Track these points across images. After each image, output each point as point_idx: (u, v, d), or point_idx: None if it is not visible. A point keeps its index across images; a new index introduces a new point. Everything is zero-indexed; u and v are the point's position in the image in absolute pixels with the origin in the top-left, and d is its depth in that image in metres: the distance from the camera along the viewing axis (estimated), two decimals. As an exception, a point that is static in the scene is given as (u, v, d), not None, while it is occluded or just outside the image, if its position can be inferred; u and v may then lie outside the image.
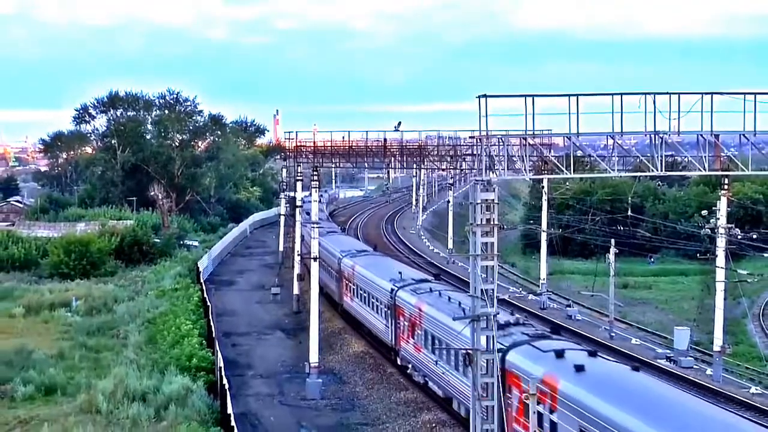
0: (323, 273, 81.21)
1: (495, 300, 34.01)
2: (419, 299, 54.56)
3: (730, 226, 60.08)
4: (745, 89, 32.61)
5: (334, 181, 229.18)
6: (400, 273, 63.58)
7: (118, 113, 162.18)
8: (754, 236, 70.54)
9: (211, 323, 69.41)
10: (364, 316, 69.22)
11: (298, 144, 71.89)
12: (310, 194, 69.72)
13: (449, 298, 51.86)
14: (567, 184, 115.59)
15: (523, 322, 45.69)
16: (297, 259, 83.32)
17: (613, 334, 68.63)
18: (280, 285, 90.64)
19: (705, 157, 34.32)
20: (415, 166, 67.71)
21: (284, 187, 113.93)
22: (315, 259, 61.96)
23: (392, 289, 59.95)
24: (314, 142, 70.29)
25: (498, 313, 34.68)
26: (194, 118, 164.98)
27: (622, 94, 32.10)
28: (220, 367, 54.53)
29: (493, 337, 34.02)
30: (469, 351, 34.40)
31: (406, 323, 56.78)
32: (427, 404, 52.41)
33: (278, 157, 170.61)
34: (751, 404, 50.04)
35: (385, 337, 63.13)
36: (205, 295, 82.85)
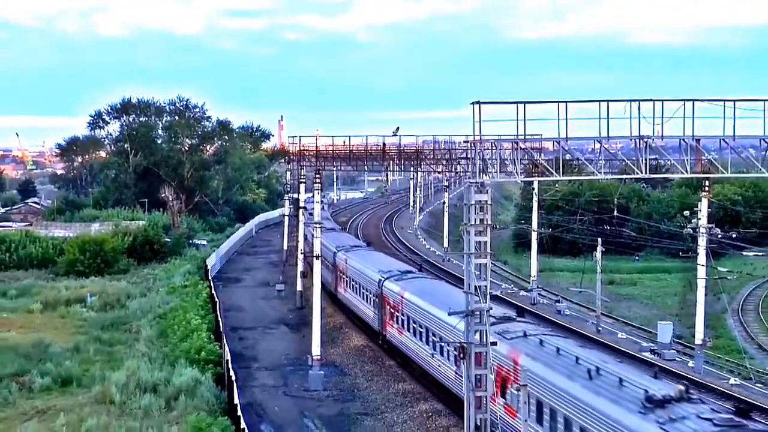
0: (353, 295, 73.63)
1: (488, 296, 34.10)
2: (514, 348, 39.90)
3: (710, 226, 60.21)
4: (725, 96, 32.68)
5: (335, 183, 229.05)
6: None
7: (131, 119, 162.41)
8: (734, 236, 70.94)
9: (219, 318, 69.46)
10: (420, 355, 54.34)
11: (302, 148, 71.88)
12: (313, 196, 69.65)
13: (558, 350, 37.66)
14: (556, 186, 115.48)
15: (688, 395, 30.97)
16: (300, 257, 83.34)
17: (600, 329, 68.68)
18: (284, 282, 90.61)
19: (687, 160, 34.38)
20: (412, 169, 67.58)
21: (288, 189, 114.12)
22: (317, 257, 62.09)
23: None
24: (317, 147, 70.02)
25: (491, 308, 34.64)
26: (203, 123, 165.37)
27: (608, 101, 32.15)
28: (228, 360, 54.73)
29: (486, 332, 34.08)
30: (463, 344, 34.46)
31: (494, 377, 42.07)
32: (423, 395, 52.55)
33: (282, 160, 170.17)
34: (731, 394, 50.12)
35: (456, 388, 46.79)
36: (213, 292, 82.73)
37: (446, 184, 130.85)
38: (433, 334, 51.19)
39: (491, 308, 34.83)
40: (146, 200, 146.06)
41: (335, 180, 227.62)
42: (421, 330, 53.54)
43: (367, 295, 67.66)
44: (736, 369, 60.01)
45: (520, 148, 34.18)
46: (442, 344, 48.75)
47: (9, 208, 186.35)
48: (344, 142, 66.75)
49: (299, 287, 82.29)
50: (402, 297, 57.95)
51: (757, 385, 54.69)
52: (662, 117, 32.53)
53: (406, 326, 56.91)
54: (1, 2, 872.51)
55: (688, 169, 34.83)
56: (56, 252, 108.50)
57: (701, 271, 59.59)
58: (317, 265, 62.19)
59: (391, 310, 60.16)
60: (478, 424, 34.37)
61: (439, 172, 66.12)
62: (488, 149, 33.84)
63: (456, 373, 46.07)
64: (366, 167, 71.73)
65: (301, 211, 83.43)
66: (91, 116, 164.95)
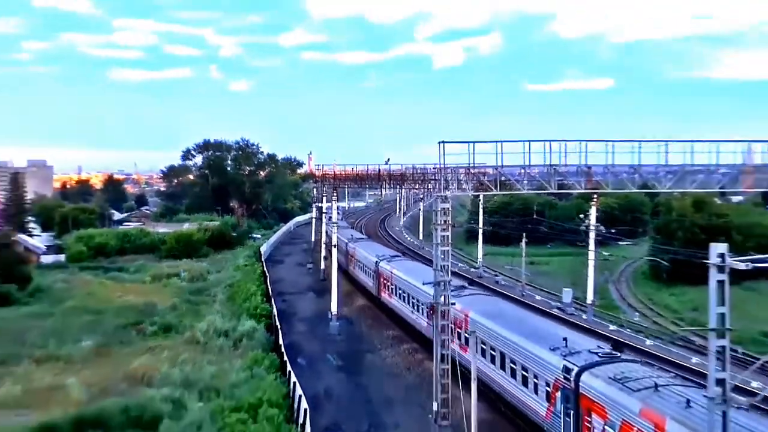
0: (399, 302, 55.38)
1: (449, 271, 34.19)
2: (651, 408, 23.63)
3: (597, 225, 60.66)
4: (607, 138, 32.81)
5: (347, 196, 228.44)
6: (565, 339, 32.10)
7: (209, 153, 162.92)
8: (613, 231, 71.01)
9: (269, 286, 69.53)
10: (511, 391, 34.89)
11: (324, 173, 72.16)
12: (331, 206, 69.88)
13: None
14: (495, 198, 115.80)
15: None
16: (323, 246, 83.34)
17: (524, 294, 68.84)
18: (312, 262, 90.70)
19: (581, 180, 34.55)
20: (398, 187, 67.79)
21: (315, 200, 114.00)
22: (334, 246, 62.30)
23: (567, 367, 29.19)
24: (334, 172, 70.45)
25: (451, 279, 34.75)
26: (258, 156, 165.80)
27: (530, 141, 32.18)
28: (275, 315, 54.92)
29: (447, 295, 34.11)
30: (434, 304, 34.50)
31: None
32: (405, 338, 52.69)
33: (312, 181, 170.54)
34: (609, 336, 50.38)
35: None
36: (265, 269, 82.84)
37: (421, 196, 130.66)
38: (514, 362, 34.40)
39: (451, 279, 34.85)
40: (219, 208, 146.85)
41: (346, 194, 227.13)
42: (495, 354, 36.23)
43: (417, 305, 49.85)
44: (614, 320, 60.26)
45: (471, 172, 34.33)
46: (535, 381, 32.10)
47: (129, 213, 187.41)
48: (352, 168, 66.83)
49: (323, 266, 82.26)
50: (467, 316, 39.95)
51: (627, 330, 55.01)
52: (566, 151, 32.70)
53: (489, 358, 37.21)
54: (118, 69, 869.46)
55: (583, 186, 34.99)
56: (160, 242, 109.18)
57: (591, 255, 60.06)
58: (334, 251, 62.48)
59: (456, 329, 39.61)
60: (443, 355, 34.48)
61: (416, 189, 66.18)
62: (450, 173, 33.97)
63: (550, 412, 30.78)
64: (367, 185, 71.76)
65: (324, 216, 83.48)
66: (183, 152, 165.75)
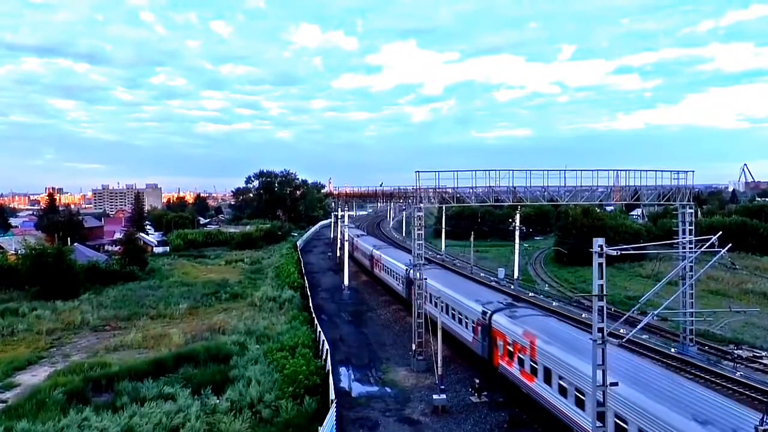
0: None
1: (423, 257, 34.18)
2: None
3: (521, 226, 60.70)
4: (528, 168, 32.94)
5: (354, 207, 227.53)
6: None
7: (263, 179, 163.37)
8: (531, 230, 71.34)
9: (302, 267, 69.30)
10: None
11: (339, 192, 72.27)
12: (344, 213, 69.70)
13: None
14: (452, 208, 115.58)
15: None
16: (338, 241, 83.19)
17: (472, 272, 68.64)
18: (332, 251, 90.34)
19: (509, 197, 34.71)
20: (389, 201, 67.96)
21: (333, 210, 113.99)
22: (346, 239, 61.91)
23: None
24: (346, 192, 70.76)
25: (423, 263, 34.72)
26: (295, 180, 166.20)
27: (475, 170, 32.39)
28: (306, 286, 54.72)
29: (421, 272, 34.06)
30: (411, 279, 34.37)
31: None
32: (394, 302, 52.25)
33: (331, 197, 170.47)
34: (530, 300, 50.30)
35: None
36: (299, 256, 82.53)
37: (404, 207, 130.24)
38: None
39: (423, 262, 34.80)
40: (270, 215, 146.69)
41: (354, 205, 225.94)
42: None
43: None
44: (532, 289, 60.27)
45: (436, 191, 34.44)
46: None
47: (210, 219, 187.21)
48: (358, 189, 66.95)
49: (338, 254, 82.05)
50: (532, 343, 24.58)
51: (540, 296, 54.91)
52: (499, 177, 32.88)
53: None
54: (203, 123, 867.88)
55: (510, 200, 35.13)
56: (231, 238, 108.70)
57: (516, 246, 60.02)
58: (346, 244, 62.18)
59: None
60: (419, 312, 34.44)
61: (401, 202, 66.35)
62: (422, 192, 34.07)
63: None
64: (368, 200, 71.83)
65: (339, 220, 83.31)
66: (245, 178, 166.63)
